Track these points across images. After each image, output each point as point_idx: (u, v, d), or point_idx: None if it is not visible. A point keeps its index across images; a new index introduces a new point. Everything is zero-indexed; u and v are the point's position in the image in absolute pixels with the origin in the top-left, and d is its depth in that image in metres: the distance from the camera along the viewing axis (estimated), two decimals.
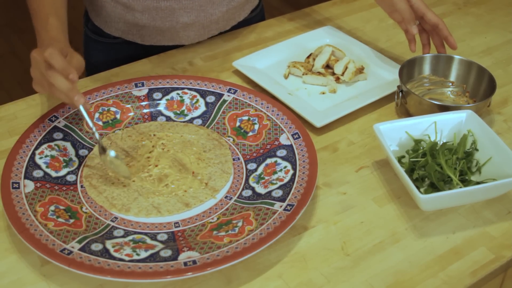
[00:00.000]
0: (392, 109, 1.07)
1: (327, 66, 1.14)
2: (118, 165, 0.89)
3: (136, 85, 1.04)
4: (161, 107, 1.03)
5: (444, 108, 0.98)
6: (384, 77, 1.13)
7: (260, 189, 0.88)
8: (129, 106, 1.02)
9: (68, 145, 0.95)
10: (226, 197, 0.88)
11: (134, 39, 1.19)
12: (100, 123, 1.00)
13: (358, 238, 0.83)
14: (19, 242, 0.81)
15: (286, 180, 0.88)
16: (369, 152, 0.98)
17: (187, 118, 1.02)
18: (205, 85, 1.05)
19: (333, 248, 0.82)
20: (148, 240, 0.81)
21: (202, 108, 1.03)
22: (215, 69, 1.16)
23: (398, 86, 1.03)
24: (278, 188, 0.87)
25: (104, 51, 1.25)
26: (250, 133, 0.98)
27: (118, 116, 1.01)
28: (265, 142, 0.96)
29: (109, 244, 0.78)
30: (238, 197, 0.88)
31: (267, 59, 1.16)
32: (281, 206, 0.83)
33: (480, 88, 1.05)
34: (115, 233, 0.82)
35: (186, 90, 1.04)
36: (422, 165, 0.89)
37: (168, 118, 1.02)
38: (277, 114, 0.99)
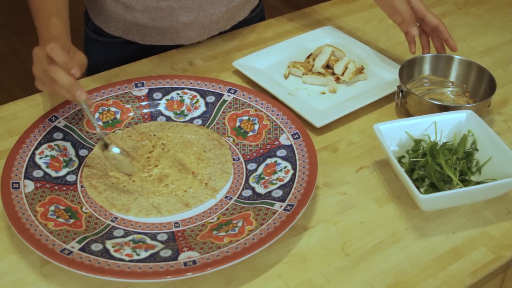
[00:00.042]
0: (392, 109, 1.07)
1: (327, 66, 1.14)
2: (121, 161, 0.88)
3: (136, 85, 1.04)
4: (161, 107, 1.03)
5: (444, 108, 0.98)
6: (384, 77, 1.13)
7: (260, 189, 0.88)
8: (129, 106, 1.02)
9: (68, 145, 0.95)
10: (226, 197, 0.88)
11: (134, 39, 1.20)
12: (100, 123, 1.00)
13: (358, 238, 0.83)
14: (19, 242, 0.81)
15: (286, 180, 0.88)
16: (369, 152, 0.98)
17: (187, 118, 1.02)
18: (205, 85, 1.05)
19: (333, 248, 0.82)
20: (148, 240, 0.81)
21: (202, 108, 1.03)
22: (215, 69, 1.16)
23: (398, 86, 1.03)
24: (278, 188, 0.87)
25: (104, 50, 1.25)
26: (250, 133, 0.98)
27: (118, 116, 1.01)
28: (265, 142, 0.96)
29: (109, 244, 0.78)
30: (238, 197, 0.88)
31: (267, 59, 1.16)
32: (281, 206, 0.83)
33: (480, 88, 1.05)
34: (115, 233, 0.82)
35: (186, 90, 1.04)
36: (422, 165, 0.89)
37: (168, 118, 1.02)
38: (277, 114, 0.99)
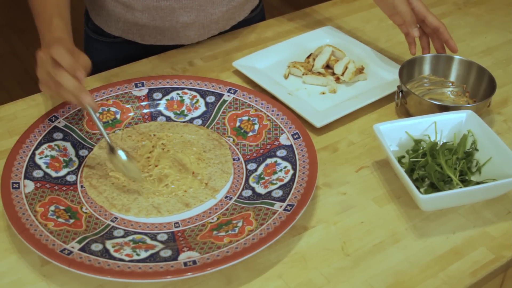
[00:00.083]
0: (392, 109, 1.07)
1: (327, 66, 1.14)
2: (127, 165, 0.88)
3: (136, 85, 1.04)
4: (161, 107, 1.03)
5: (444, 108, 0.98)
6: (384, 77, 1.13)
7: (260, 189, 0.88)
8: (129, 106, 1.02)
9: (68, 145, 0.95)
10: (226, 197, 0.88)
11: (134, 39, 1.20)
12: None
13: (358, 238, 0.83)
14: (19, 242, 0.81)
15: (286, 180, 0.88)
16: (369, 152, 0.98)
17: (187, 118, 1.02)
18: (205, 85, 1.05)
19: (333, 248, 0.82)
20: (148, 240, 0.81)
21: (202, 108, 1.03)
22: (215, 69, 1.16)
23: (398, 86, 1.03)
24: (278, 188, 0.87)
25: (104, 50, 1.26)
26: (250, 133, 0.98)
27: (118, 116, 1.01)
28: (265, 142, 0.96)
29: (109, 244, 0.78)
30: (238, 197, 0.88)
31: (267, 59, 1.16)
32: (281, 206, 0.83)
33: (480, 88, 1.05)
34: (115, 233, 0.82)
35: (186, 90, 1.04)
36: (422, 165, 0.89)
37: (168, 118, 1.02)
38: (277, 114, 0.99)
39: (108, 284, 0.76)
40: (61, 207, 0.84)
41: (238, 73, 1.14)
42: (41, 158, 0.90)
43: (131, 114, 1.02)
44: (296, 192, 0.85)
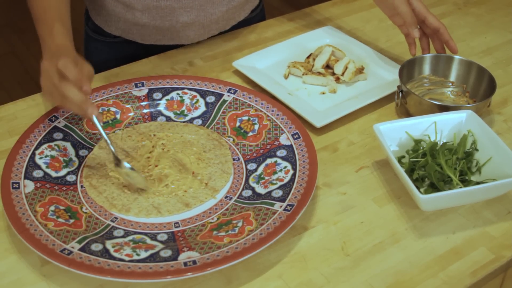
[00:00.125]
0: (392, 109, 1.07)
1: (327, 66, 1.14)
2: (134, 177, 0.88)
3: (136, 85, 1.04)
4: (161, 107, 1.03)
5: (444, 108, 0.98)
6: (384, 77, 1.13)
7: (260, 189, 0.88)
8: (129, 106, 1.02)
9: (68, 145, 0.95)
10: (226, 197, 0.88)
11: (134, 38, 1.20)
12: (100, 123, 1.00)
13: (358, 238, 0.83)
14: (19, 242, 0.81)
15: (286, 180, 0.88)
16: (369, 152, 0.98)
17: (187, 118, 1.02)
18: (205, 85, 1.05)
19: (333, 248, 0.82)
20: (148, 240, 0.81)
21: (202, 108, 1.03)
22: (215, 69, 1.16)
23: (398, 86, 1.03)
24: (278, 188, 0.87)
25: (105, 50, 1.26)
26: (250, 133, 0.98)
27: (118, 116, 1.01)
28: (265, 142, 0.96)
29: (109, 244, 0.78)
30: (238, 197, 0.88)
31: (267, 59, 1.16)
32: (281, 206, 0.83)
33: (480, 88, 1.05)
34: (115, 233, 0.82)
35: (186, 90, 1.04)
36: (422, 165, 0.89)
37: (168, 118, 1.02)
38: (277, 114, 0.99)
39: (108, 284, 0.76)
40: (61, 207, 0.84)
41: (238, 73, 1.14)
42: (41, 158, 0.90)
43: (131, 114, 1.02)
44: (296, 192, 0.85)
